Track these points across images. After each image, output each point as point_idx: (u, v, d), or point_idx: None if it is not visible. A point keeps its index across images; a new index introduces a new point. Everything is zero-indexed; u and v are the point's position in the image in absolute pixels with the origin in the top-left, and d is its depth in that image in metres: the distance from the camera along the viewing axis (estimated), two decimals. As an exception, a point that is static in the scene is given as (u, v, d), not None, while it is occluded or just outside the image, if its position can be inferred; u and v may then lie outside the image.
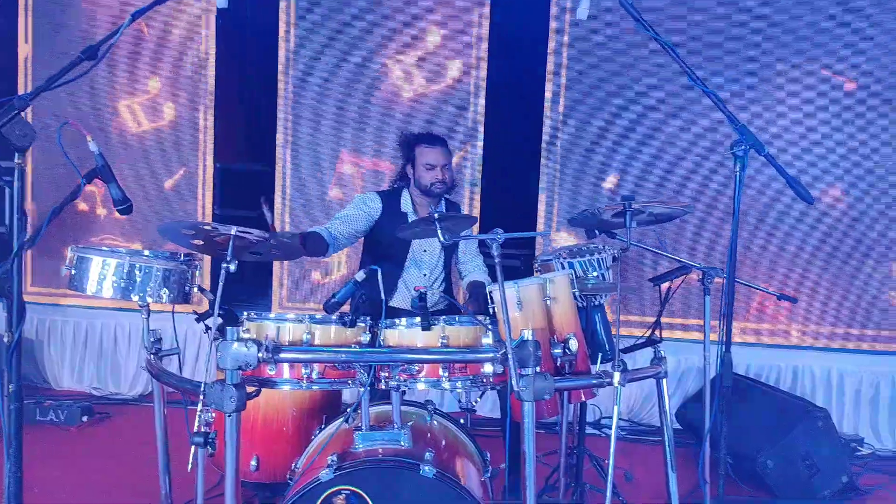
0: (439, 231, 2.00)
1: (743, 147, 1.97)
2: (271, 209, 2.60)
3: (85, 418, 3.79)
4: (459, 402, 2.47)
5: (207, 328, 2.14)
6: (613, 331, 2.38)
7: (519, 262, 4.51)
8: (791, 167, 2.14)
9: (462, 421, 2.47)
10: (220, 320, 2.08)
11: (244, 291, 4.74)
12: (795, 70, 4.04)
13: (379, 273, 2.02)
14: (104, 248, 2.14)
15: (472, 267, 3.09)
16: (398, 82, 4.30)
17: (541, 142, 4.24)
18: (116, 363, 4.46)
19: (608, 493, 2.06)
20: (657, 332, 2.62)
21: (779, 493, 3.12)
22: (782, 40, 4.04)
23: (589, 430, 3.85)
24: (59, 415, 3.72)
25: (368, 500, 1.80)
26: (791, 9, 4.02)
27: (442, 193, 2.94)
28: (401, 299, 2.94)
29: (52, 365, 4.51)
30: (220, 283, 1.92)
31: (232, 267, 1.90)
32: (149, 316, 2.25)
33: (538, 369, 1.83)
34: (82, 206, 4.52)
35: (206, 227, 1.91)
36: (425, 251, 2.97)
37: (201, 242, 1.94)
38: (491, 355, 1.92)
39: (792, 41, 4.04)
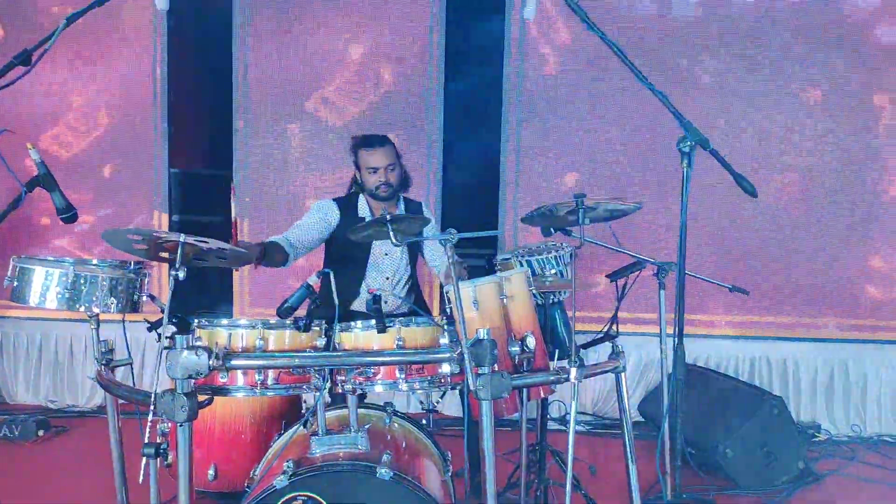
0: (391, 233, 1.99)
1: (689, 143, 2.00)
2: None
3: (41, 432, 3.69)
4: (421, 402, 2.48)
5: (160, 336, 2.10)
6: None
7: (484, 261, 4.52)
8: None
9: (423, 422, 2.47)
10: (172, 328, 2.04)
11: (206, 299, 4.67)
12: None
13: (332, 276, 2.00)
14: (49, 258, 2.08)
15: (441, 263, 3.07)
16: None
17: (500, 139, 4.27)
18: (73, 375, 4.35)
19: (568, 489, 2.08)
20: (614, 327, 2.65)
21: (738, 481, 3.18)
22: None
23: (554, 426, 3.92)
24: (13, 430, 3.62)
25: (325, 505, 1.78)
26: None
27: (389, 196, 2.89)
28: (362, 303, 2.92)
29: (6, 379, 4.38)
30: (170, 291, 1.88)
31: (181, 274, 1.85)
32: (98, 326, 2.20)
33: (495, 368, 1.84)
34: (44, 220, 4.39)
35: (151, 234, 1.87)
36: (386, 254, 2.94)
37: (145, 248, 1.89)
38: (447, 355, 1.92)
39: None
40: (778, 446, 3.24)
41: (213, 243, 1.86)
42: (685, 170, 2.01)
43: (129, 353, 2.29)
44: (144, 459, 1.78)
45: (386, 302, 2.87)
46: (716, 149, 2.05)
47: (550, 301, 2.62)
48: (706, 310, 4.23)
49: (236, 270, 4.30)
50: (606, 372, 2.32)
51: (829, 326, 4.18)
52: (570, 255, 2.67)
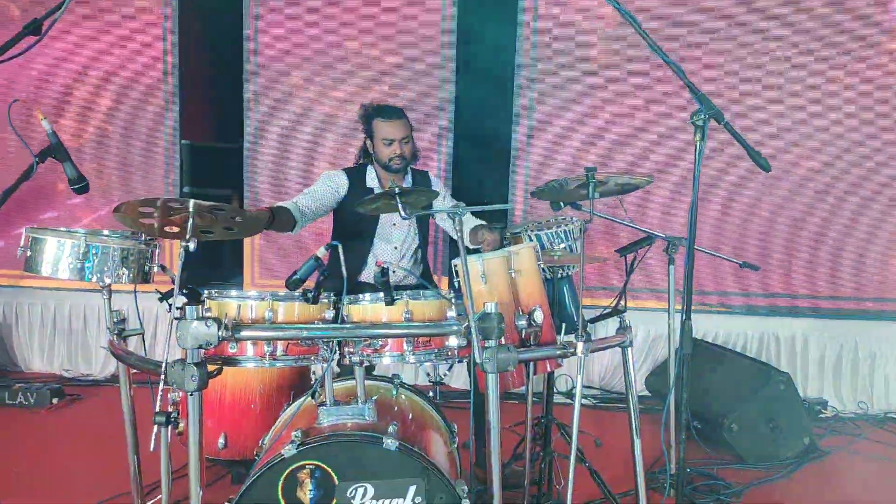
0: (400, 206, 1.99)
1: (703, 116, 1.97)
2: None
3: (55, 400, 3.77)
4: (428, 375, 2.50)
5: (171, 307, 2.12)
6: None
7: (500, 229, 4.51)
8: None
9: (430, 394, 2.49)
10: (183, 299, 2.06)
11: (217, 271, 4.71)
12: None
13: (340, 248, 2.00)
14: (61, 228, 2.10)
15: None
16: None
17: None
18: (87, 344, 4.42)
19: (572, 460, 2.10)
20: (623, 302, 2.64)
21: (744, 456, 3.20)
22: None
23: (561, 399, 3.94)
24: (28, 398, 3.69)
25: (332, 474, 1.81)
26: None
27: (401, 169, 2.90)
28: (370, 274, 2.93)
29: (22, 348, 4.46)
30: (180, 262, 1.89)
31: (191, 245, 1.86)
32: (110, 296, 2.23)
33: (502, 341, 1.85)
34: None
35: (159, 202, 1.86)
36: (394, 225, 2.95)
37: (154, 224, 1.89)
38: (454, 328, 1.93)
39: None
40: (784, 422, 3.25)
41: (227, 209, 1.85)
42: (698, 143, 1.99)
43: (141, 323, 2.32)
44: (155, 427, 1.81)
45: (394, 272, 2.87)
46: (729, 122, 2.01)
47: (559, 275, 2.62)
48: (716, 285, 4.21)
49: (248, 239, 4.31)
50: (613, 346, 2.32)
51: (839, 303, 4.16)
52: (580, 229, 2.66)
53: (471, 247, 2.79)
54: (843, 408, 4.05)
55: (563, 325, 2.36)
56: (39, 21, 1.63)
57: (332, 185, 2.89)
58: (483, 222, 2.91)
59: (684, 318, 2.15)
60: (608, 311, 2.69)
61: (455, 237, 3.21)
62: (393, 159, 2.85)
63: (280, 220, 2.62)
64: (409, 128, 2.92)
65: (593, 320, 2.78)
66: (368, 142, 2.93)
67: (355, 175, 2.94)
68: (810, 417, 3.58)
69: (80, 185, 2.08)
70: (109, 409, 3.69)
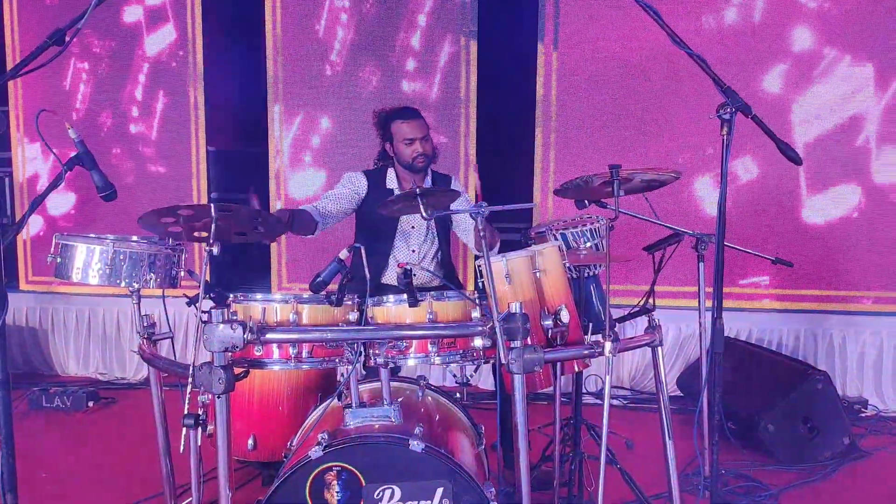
0: (421, 207, 1.98)
1: (730, 110, 1.93)
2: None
3: (91, 403, 3.85)
4: (454, 376, 2.48)
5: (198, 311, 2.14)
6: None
7: (519, 235, 4.48)
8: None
9: (457, 395, 2.48)
10: (210, 303, 2.08)
11: (244, 275, 4.75)
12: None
13: (363, 250, 2.00)
14: (90, 234, 2.14)
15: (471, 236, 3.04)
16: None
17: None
18: (121, 348, 4.51)
19: (602, 462, 2.07)
20: (651, 301, 2.59)
21: (780, 457, 3.12)
22: None
23: (591, 400, 3.90)
24: (64, 401, 3.77)
25: (359, 475, 1.81)
26: None
27: (425, 167, 2.91)
28: (392, 276, 2.93)
29: (58, 352, 4.56)
30: (206, 266, 1.92)
31: (215, 250, 1.88)
32: (139, 301, 2.26)
33: (527, 342, 1.83)
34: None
35: (181, 209, 1.89)
36: (413, 227, 2.95)
37: (180, 229, 1.91)
38: (479, 329, 1.91)
39: None
40: (822, 421, 3.16)
41: (248, 210, 1.87)
42: (725, 137, 1.94)
43: (170, 327, 2.35)
44: (184, 430, 1.83)
45: (415, 275, 2.86)
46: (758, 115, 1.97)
47: (585, 274, 2.58)
48: (748, 282, 4.12)
49: (274, 242, 4.35)
50: (642, 346, 2.29)
51: (879, 300, 4.03)
52: (606, 227, 2.62)
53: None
54: (884, 407, 3.92)
55: (591, 324, 2.33)
56: (63, 31, 1.65)
57: (351, 187, 2.91)
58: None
59: (715, 316, 2.11)
60: (636, 309, 2.64)
61: (471, 248, 3.22)
62: (416, 158, 2.86)
63: (301, 221, 2.64)
64: (427, 127, 2.93)
65: (621, 319, 2.73)
66: (388, 145, 2.94)
67: (375, 177, 2.95)
68: (850, 417, 3.47)
69: (108, 192, 2.11)
70: (143, 412, 3.75)
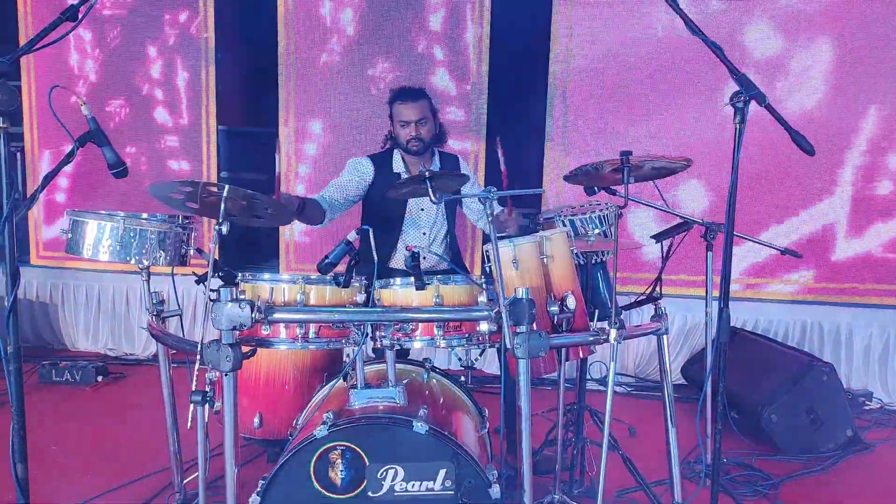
0: (430, 190, 1.97)
1: (743, 98, 1.90)
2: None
3: (100, 378, 3.90)
4: (460, 359, 2.49)
5: (206, 289, 2.16)
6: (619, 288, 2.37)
7: (528, 220, 4.47)
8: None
9: (462, 378, 2.49)
10: (218, 282, 2.09)
11: (254, 256, 4.78)
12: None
13: (371, 233, 2.01)
14: (102, 211, 2.15)
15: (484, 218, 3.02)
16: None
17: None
18: (129, 324, 4.55)
19: (604, 447, 2.08)
20: (658, 289, 2.59)
21: (783, 447, 3.13)
22: None
23: (595, 386, 3.90)
24: (74, 375, 3.83)
25: (363, 455, 1.83)
26: None
27: (420, 151, 2.84)
28: (401, 259, 2.93)
29: (68, 327, 4.61)
30: (215, 245, 1.92)
31: (224, 229, 1.89)
32: (149, 278, 2.28)
33: (533, 327, 1.84)
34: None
35: (195, 185, 1.90)
36: (422, 210, 2.93)
37: (196, 205, 1.93)
38: (485, 313, 1.92)
39: None
40: (825, 413, 3.16)
41: (259, 196, 1.87)
42: (738, 126, 1.92)
43: (179, 305, 2.37)
44: (192, 406, 1.85)
45: (424, 258, 2.86)
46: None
47: (593, 261, 2.58)
48: (755, 273, 4.11)
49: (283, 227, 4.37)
50: (647, 334, 2.29)
51: (885, 293, 4.01)
52: (615, 214, 2.61)
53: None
54: (889, 400, 3.92)
55: (597, 311, 2.33)
56: (76, 7, 1.65)
57: (357, 173, 2.88)
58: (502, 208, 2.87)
59: (721, 305, 2.10)
60: (643, 297, 2.64)
61: (479, 227, 3.21)
62: (410, 141, 2.81)
63: (310, 211, 2.64)
64: (430, 109, 2.87)
65: (628, 307, 2.73)
66: (392, 126, 2.92)
67: (381, 161, 2.92)
68: (855, 410, 3.47)
69: (119, 168, 2.12)
70: (151, 388, 3.78)
